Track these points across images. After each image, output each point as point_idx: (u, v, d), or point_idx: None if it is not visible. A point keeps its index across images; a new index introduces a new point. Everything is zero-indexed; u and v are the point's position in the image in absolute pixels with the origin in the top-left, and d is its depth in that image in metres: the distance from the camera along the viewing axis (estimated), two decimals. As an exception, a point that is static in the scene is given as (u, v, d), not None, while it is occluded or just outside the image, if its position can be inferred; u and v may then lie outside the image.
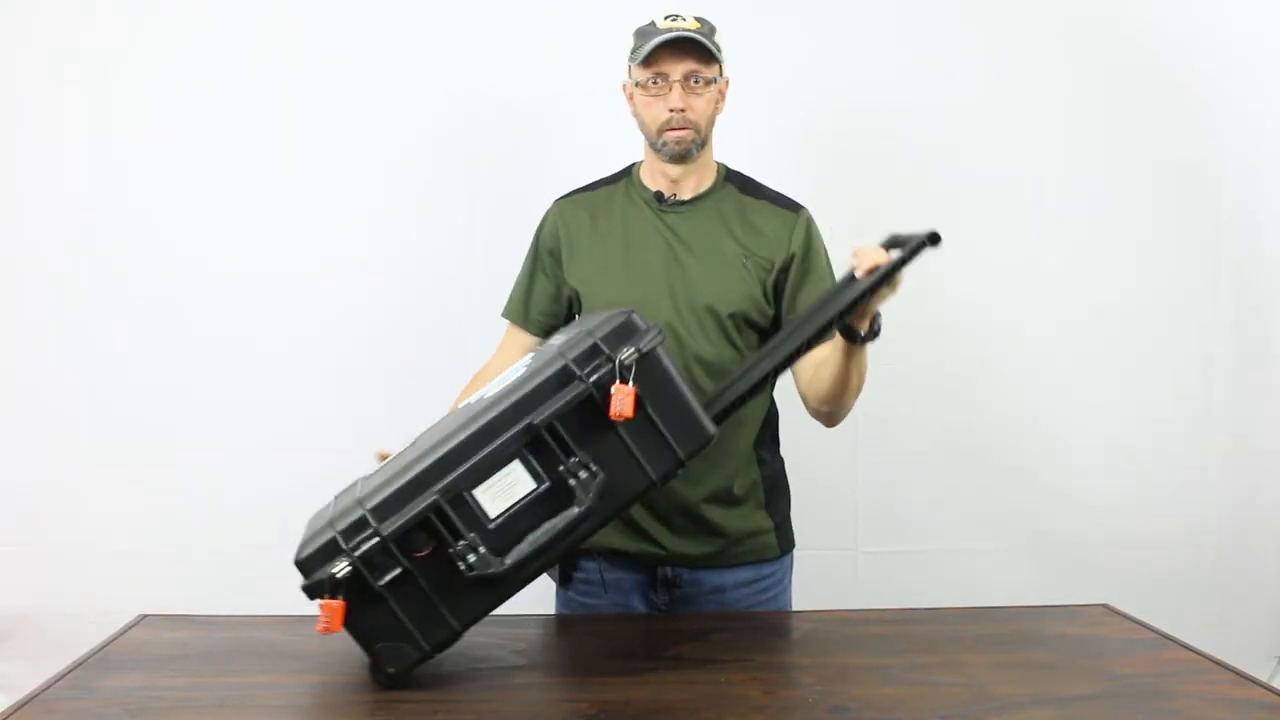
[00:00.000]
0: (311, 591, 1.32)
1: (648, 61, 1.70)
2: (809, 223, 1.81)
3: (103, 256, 2.43)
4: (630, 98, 1.78)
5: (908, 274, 2.47)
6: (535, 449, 1.34)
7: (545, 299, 1.85)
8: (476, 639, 1.51)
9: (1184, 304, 2.54)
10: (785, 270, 1.77)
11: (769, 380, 1.53)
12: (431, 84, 2.44)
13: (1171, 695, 1.36)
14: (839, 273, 1.79)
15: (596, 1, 2.36)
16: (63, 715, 1.28)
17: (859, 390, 1.66)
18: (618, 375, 1.33)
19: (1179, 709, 1.32)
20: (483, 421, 1.34)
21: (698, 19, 1.73)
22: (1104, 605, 1.72)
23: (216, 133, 2.43)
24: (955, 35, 2.48)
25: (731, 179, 1.83)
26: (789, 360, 1.51)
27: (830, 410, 1.72)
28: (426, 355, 2.40)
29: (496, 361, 1.85)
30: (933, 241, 1.44)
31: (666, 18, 1.72)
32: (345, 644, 1.51)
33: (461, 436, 1.34)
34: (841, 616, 1.72)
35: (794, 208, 1.81)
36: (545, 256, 1.84)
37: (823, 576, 2.42)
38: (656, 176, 1.80)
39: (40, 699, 1.31)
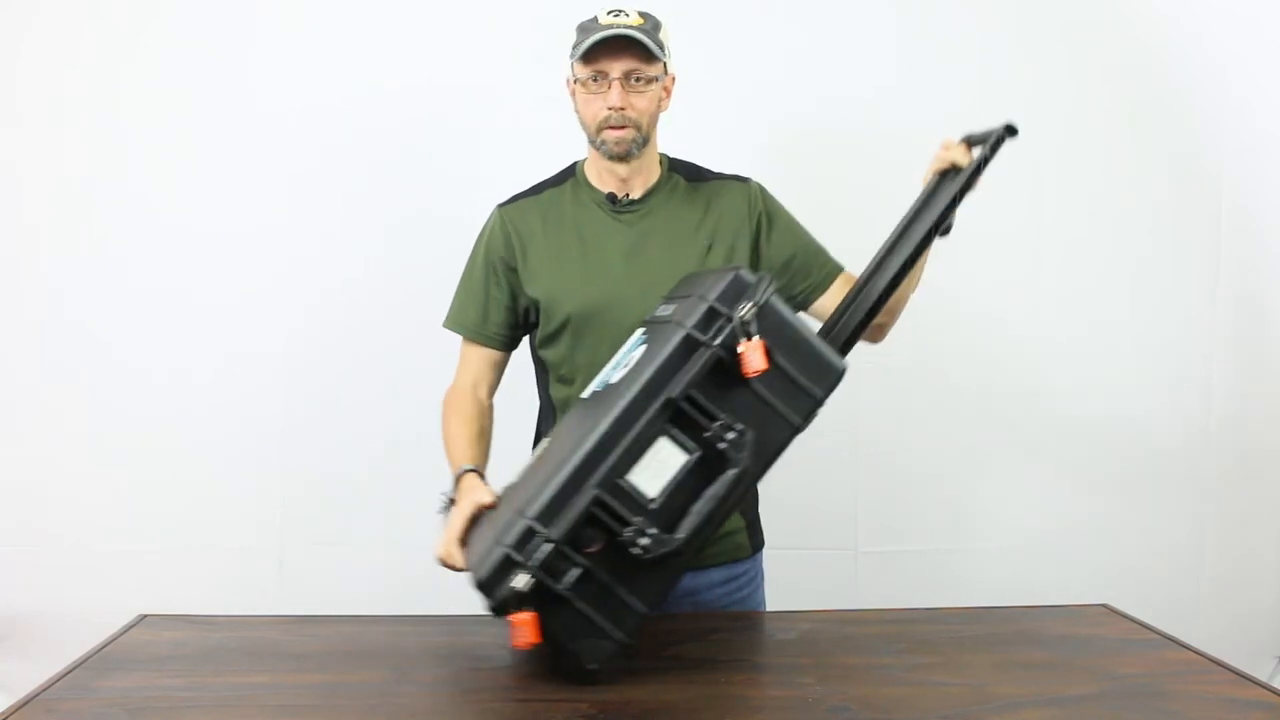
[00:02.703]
0: (499, 610, 1.31)
1: (587, 58, 1.65)
2: (762, 188, 1.80)
3: (102, 259, 2.43)
4: (572, 94, 1.72)
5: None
6: (678, 422, 1.33)
7: (501, 309, 1.77)
8: (477, 639, 1.52)
9: (1184, 304, 2.55)
10: (756, 237, 1.76)
11: (883, 303, 1.55)
12: (427, 82, 2.44)
13: (1171, 695, 1.36)
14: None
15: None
16: (63, 715, 1.28)
17: (916, 287, 1.69)
18: (741, 333, 1.33)
19: (1179, 709, 1.32)
20: (620, 408, 1.33)
21: (642, 14, 1.67)
22: (1104, 605, 1.71)
23: (212, 132, 2.43)
24: (954, 35, 2.48)
25: (676, 168, 1.80)
26: (896, 281, 1.53)
27: (886, 322, 1.72)
28: (430, 359, 2.41)
29: (463, 380, 1.81)
30: (1010, 133, 1.47)
31: (609, 12, 1.67)
32: (344, 644, 1.51)
33: (603, 427, 1.33)
34: (841, 616, 1.71)
35: (743, 179, 1.80)
36: (497, 264, 1.77)
37: (823, 576, 2.42)
38: (604, 176, 1.75)
39: (40, 699, 1.31)
